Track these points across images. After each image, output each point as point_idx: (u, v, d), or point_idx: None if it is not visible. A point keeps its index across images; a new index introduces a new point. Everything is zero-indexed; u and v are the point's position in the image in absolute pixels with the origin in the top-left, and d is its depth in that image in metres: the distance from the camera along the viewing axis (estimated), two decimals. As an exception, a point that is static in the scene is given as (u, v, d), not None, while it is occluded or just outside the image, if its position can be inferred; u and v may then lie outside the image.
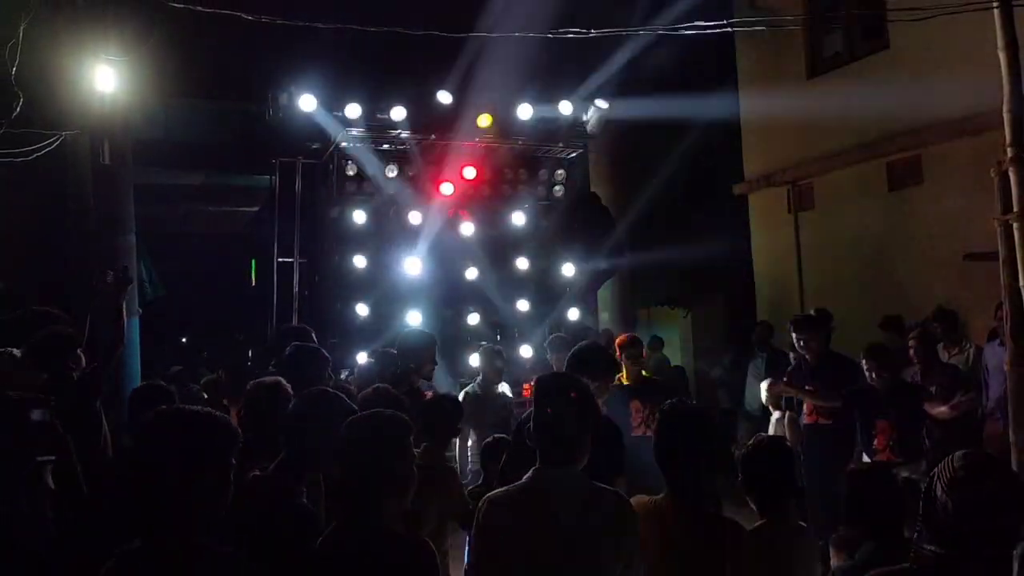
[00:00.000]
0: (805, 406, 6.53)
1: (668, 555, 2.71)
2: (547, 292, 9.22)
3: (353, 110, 8.17)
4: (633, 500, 2.69)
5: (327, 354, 4.59)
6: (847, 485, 2.92)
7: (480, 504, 2.66)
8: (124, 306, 5.13)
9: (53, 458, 3.46)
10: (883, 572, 2.08)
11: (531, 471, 2.58)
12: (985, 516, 1.87)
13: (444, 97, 8.42)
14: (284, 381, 3.58)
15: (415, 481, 2.60)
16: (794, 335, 6.60)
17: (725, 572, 2.69)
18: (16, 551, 3.11)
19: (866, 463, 3.08)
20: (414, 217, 8.59)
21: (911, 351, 6.61)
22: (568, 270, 9.27)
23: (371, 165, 8.44)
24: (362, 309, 8.27)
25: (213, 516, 2.15)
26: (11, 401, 3.42)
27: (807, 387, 6.45)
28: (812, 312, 7.44)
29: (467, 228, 8.85)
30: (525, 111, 8.64)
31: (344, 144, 8.32)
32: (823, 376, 6.38)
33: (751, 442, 3.28)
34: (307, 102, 8.10)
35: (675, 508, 2.79)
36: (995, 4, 5.35)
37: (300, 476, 2.90)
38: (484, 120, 8.50)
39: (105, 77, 7.02)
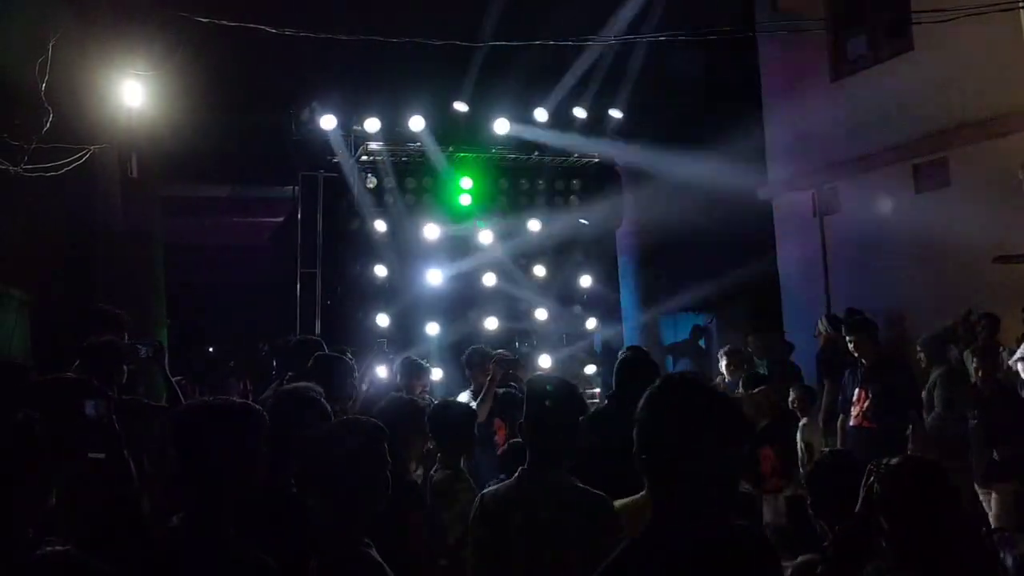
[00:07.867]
0: (853, 409, 6.29)
1: None
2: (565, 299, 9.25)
3: (372, 124, 8.35)
4: (617, 503, 2.70)
5: (351, 363, 4.62)
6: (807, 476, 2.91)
7: (476, 501, 2.75)
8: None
9: (103, 456, 3.46)
10: None
11: (519, 471, 2.66)
12: None
13: (460, 108, 8.55)
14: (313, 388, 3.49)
15: (388, 487, 2.48)
16: (847, 338, 6.38)
17: None
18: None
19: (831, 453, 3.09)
20: (432, 228, 8.67)
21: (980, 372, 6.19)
22: (585, 281, 9.31)
23: (390, 177, 8.59)
24: (383, 319, 8.37)
25: (244, 489, 2.32)
26: (66, 389, 3.36)
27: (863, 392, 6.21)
28: (842, 314, 7.23)
29: (485, 237, 8.89)
30: (540, 114, 8.75)
31: (364, 158, 8.50)
32: (877, 379, 6.15)
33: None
34: (327, 122, 8.33)
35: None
36: (1020, 5, 5.29)
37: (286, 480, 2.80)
38: (501, 125, 8.57)
39: (133, 92, 7.13)
